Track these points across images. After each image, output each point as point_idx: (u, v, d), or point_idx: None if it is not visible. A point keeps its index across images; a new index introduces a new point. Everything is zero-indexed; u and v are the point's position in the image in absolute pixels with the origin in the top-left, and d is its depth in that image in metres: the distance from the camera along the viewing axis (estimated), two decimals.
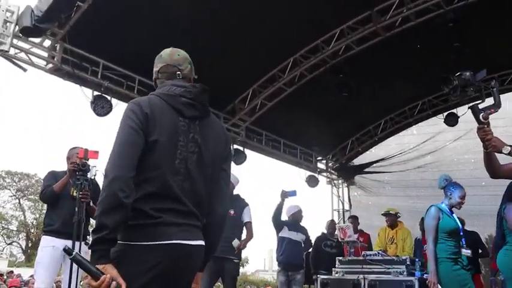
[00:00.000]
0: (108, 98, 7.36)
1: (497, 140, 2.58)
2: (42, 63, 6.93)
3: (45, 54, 6.88)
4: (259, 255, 62.00)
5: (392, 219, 7.28)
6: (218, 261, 5.34)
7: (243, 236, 5.91)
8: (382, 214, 7.65)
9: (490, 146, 2.58)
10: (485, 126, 2.56)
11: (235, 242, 5.56)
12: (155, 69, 2.36)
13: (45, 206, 4.88)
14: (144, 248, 1.95)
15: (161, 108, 2.10)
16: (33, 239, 30.59)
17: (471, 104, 2.59)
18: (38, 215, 30.86)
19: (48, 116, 60.47)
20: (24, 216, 32.47)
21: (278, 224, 7.06)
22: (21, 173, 32.48)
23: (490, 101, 2.62)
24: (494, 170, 2.78)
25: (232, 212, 5.62)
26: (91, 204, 4.29)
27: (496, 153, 2.70)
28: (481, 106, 2.58)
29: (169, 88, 2.18)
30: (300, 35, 7.92)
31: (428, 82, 9.68)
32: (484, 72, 2.64)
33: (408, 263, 5.66)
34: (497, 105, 2.58)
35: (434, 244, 4.48)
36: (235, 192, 5.99)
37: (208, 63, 7.30)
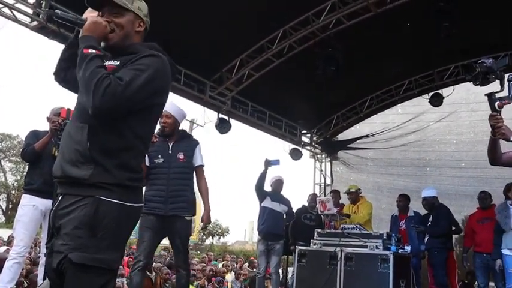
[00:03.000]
0: None
1: (506, 128, 2.71)
2: (26, 20, 6.72)
3: (30, 11, 6.67)
4: (240, 226, 62.77)
5: (353, 197, 7.56)
6: (166, 220, 4.24)
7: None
8: (344, 192, 7.96)
9: (499, 133, 2.71)
10: (498, 114, 2.69)
11: (190, 220, 4.30)
12: (143, 12, 2.16)
13: (27, 167, 4.86)
14: (136, 209, 2.01)
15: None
16: (14, 200, 30.36)
17: (489, 92, 2.70)
18: (19, 177, 30.52)
19: (31, 76, 59.32)
20: (5, 178, 32.12)
21: (261, 193, 7.13)
22: (3, 133, 31.93)
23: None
24: (495, 156, 2.91)
25: (182, 156, 4.37)
26: None
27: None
28: (498, 95, 2.70)
29: (168, 59, 2.12)
30: (291, 7, 7.81)
31: (417, 61, 9.70)
32: (505, 60, 2.76)
33: (385, 237, 5.77)
34: (511, 98, 2.71)
35: None
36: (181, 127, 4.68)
37: (198, 30, 7.20)
